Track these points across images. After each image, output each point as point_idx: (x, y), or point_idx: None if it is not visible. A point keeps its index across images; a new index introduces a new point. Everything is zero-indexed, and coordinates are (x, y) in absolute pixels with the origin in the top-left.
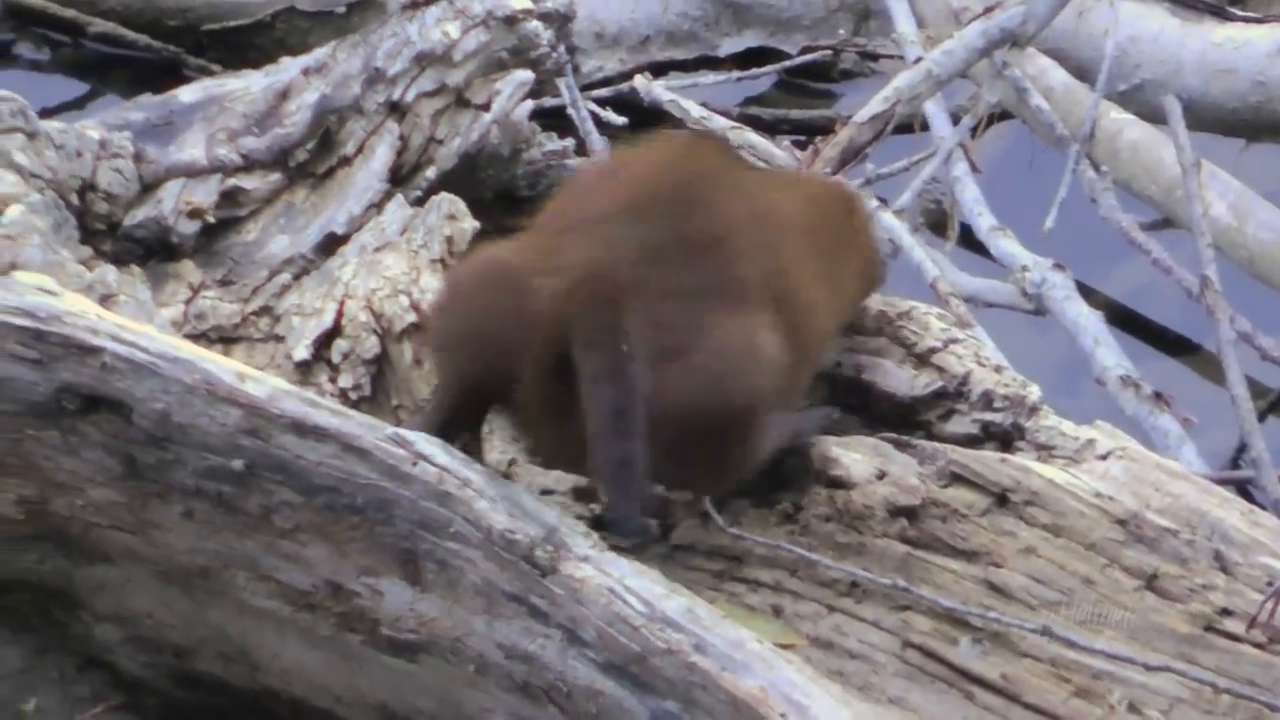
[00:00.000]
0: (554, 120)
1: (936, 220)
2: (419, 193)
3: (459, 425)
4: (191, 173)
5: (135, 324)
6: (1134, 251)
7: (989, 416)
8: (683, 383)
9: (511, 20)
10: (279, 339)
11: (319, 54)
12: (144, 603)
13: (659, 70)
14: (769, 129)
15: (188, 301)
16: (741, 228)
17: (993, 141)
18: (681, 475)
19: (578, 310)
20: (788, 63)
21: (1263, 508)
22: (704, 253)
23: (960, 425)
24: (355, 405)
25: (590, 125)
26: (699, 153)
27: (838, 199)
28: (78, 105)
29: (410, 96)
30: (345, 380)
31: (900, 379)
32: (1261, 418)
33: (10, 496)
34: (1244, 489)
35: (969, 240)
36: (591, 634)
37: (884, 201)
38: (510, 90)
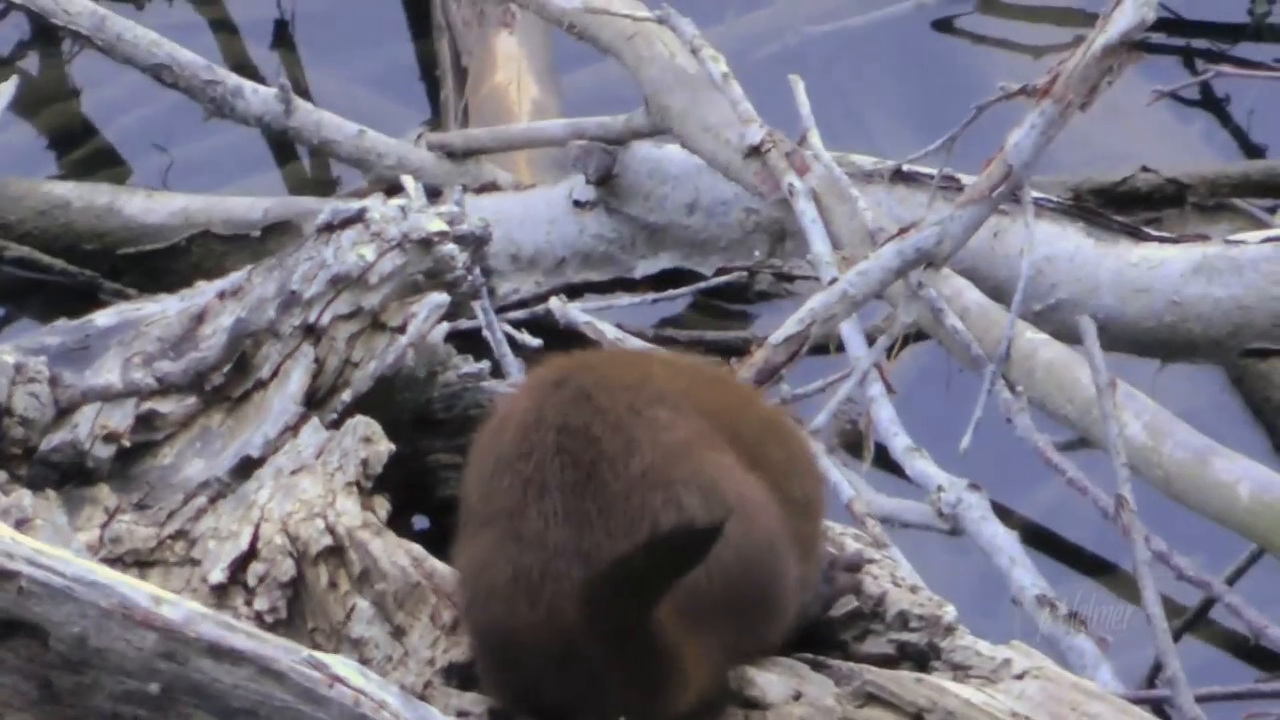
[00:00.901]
0: (469, 342)
1: (852, 441)
2: (334, 415)
3: None
4: (107, 397)
5: (51, 548)
6: (1050, 471)
7: (905, 636)
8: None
9: (427, 243)
10: (195, 562)
11: (234, 278)
12: None
13: (575, 292)
14: (685, 350)
15: (103, 525)
16: (630, 426)
17: (908, 362)
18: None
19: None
20: (703, 284)
21: None
22: (614, 474)
23: (876, 645)
24: (271, 629)
25: (506, 347)
26: (567, 382)
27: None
28: None
29: (326, 319)
30: (261, 603)
31: None
32: (1177, 637)
33: None
34: (1160, 709)
35: (885, 461)
36: None
37: (800, 422)
38: (426, 313)
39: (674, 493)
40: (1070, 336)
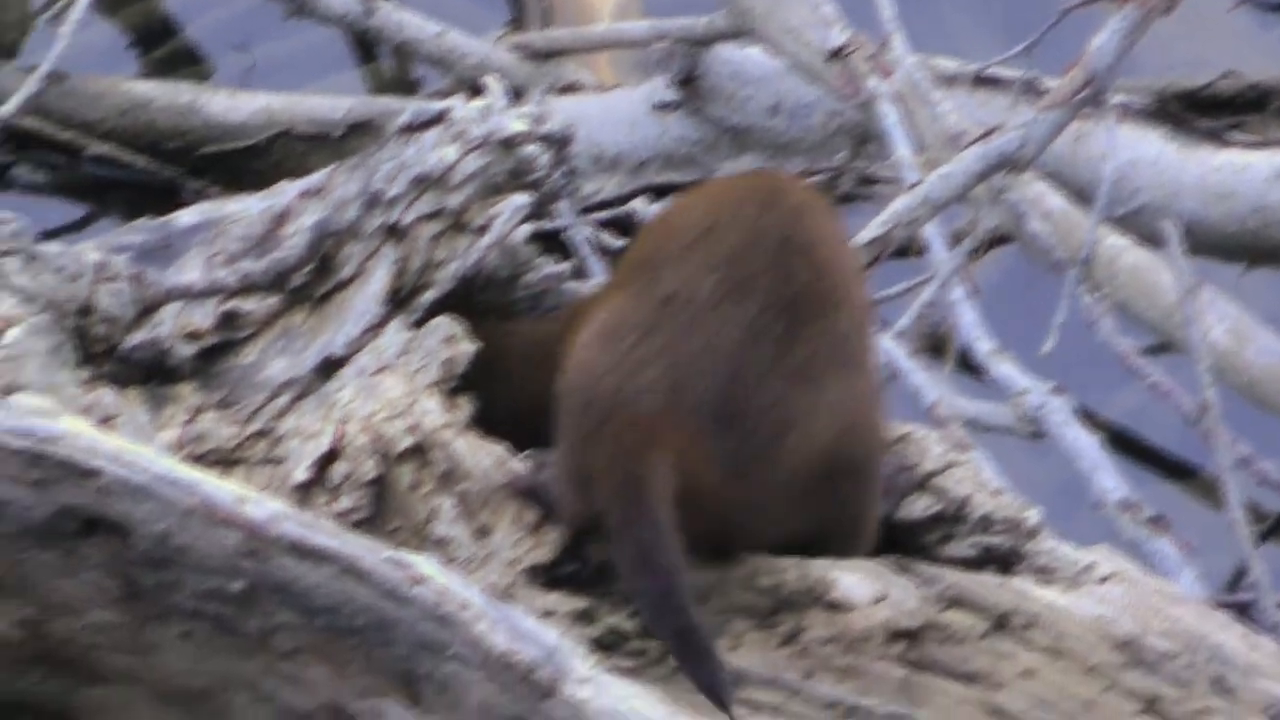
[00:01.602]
0: (552, 243)
1: (935, 344)
2: (417, 316)
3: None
4: (189, 295)
5: (134, 446)
6: (1133, 376)
7: (988, 540)
8: (803, 449)
9: (510, 143)
10: (277, 461)
11: (316, 177)
12: None
13: (658, 193)
14: None
15: (186, 424)
16: (839, 276)
17: (991, 265)
18: (811, 543)
19: (605, 486)
20: None
21: (1263, 631)
22: (811, 317)
23: (959, 548)
24: (354, 528)
25: (588, 248)
26: (788, 192)
27: None
28: (76, 228)
29: (408, 220)
30: (344, 503)
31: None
32: (1260, 542)
33: (9, 618)
34: (1244, 612)
35: (967, 364)
36: None
37: (883, 325)
38: (508, 214)
39: (825, 399)
40: (1153, 241)
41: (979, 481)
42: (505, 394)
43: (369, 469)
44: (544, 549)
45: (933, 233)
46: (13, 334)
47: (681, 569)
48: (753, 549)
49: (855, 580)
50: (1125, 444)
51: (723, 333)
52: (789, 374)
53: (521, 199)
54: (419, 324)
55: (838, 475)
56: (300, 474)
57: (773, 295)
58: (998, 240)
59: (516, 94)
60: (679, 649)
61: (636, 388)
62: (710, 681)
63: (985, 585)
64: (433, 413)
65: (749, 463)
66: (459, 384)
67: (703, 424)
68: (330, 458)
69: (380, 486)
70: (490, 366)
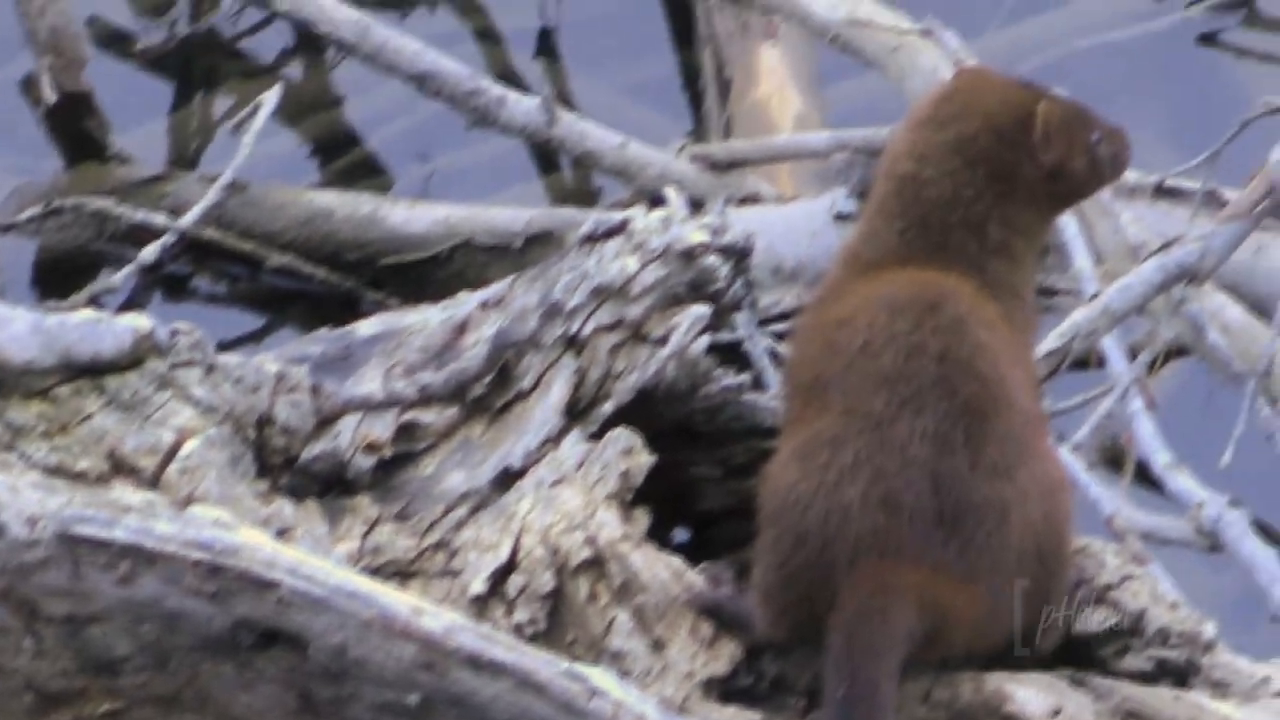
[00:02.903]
0: (730, 355)
1: (1113, 456)
2: (595, 427)
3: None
4: (368, 406)
5: (312, 558)
6: None
7: (1164, 653)
8: (1022, 533)
9: (690, 254)
10: (455, 574)
11: (496, 288)
12: None
13: None
14: None
15: (364, 536)
16: (1002, 384)
17: (1169, 377)
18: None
19: (839, 639)
20: None
21: None
22: (985, 421)
23: (1135, 661)
24: (531, 640)
25: (767, 360)
26: (945, 304)
27: None
28: (255, 338)
29: (588, 330)
30: (521, 615)
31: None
32: None
33: None
34: None
35: (1145, 477)
36: None
37: (1061, 437)
38: (688, 325)
39: (1025, 487)
40: None
41: (1156, 594)
42: None
43: (546, 581)
44: (720, 662)
45: (1111, 344)
46: (191, 445)
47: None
48: (977, 650)
49: (1031, 694)
50: None
51: (910, 444)
52: (986, 472)
53: (701, 310)
54: (597, 435)
55: (1045, 554)
56: (477, 586)
57: (943, 406)
58: (1177, 352)
59: (696, 205)
60: None
61: (844, 508)
62: None
63: (1161, 699)
64: (610, 525)
65: (979, 559)
66: (636, 496)
67: (927, 533)
68: (507, 570)
69: (557, 599)
70: None
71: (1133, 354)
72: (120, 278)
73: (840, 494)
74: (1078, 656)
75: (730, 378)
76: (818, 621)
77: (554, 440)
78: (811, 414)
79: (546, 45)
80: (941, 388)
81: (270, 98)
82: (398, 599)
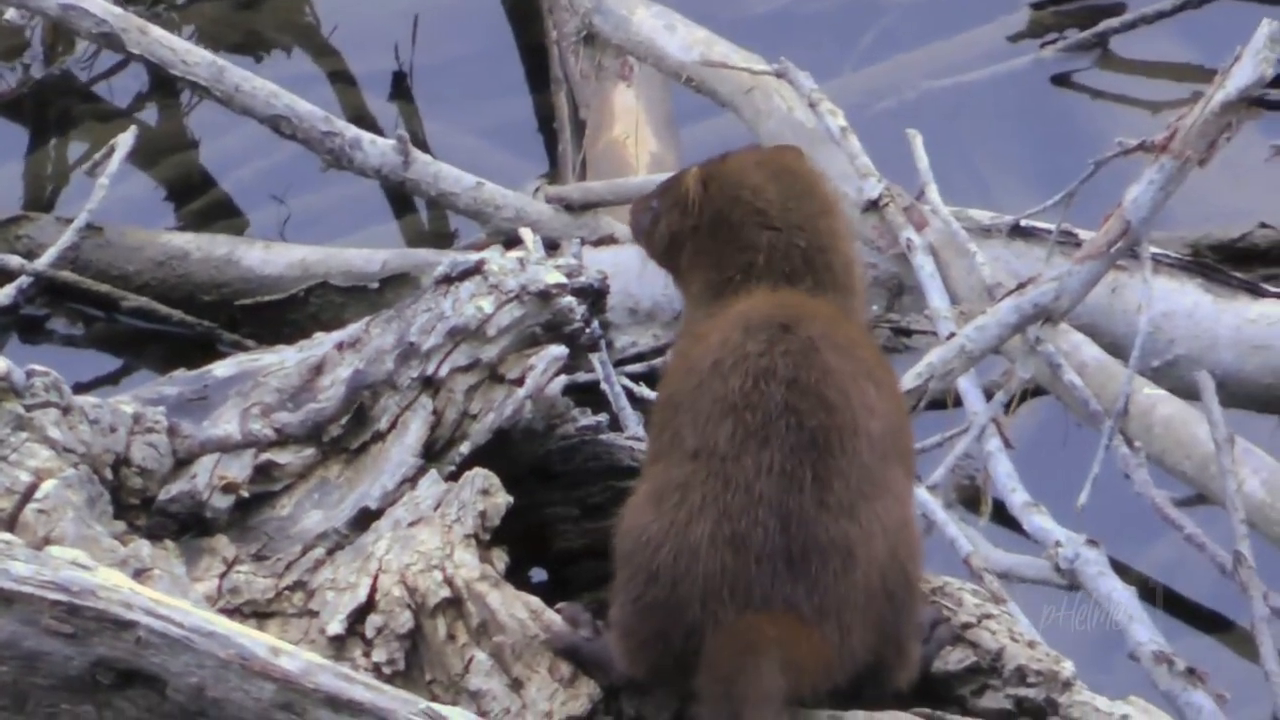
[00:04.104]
0: (587, 395)
1: (970, 496)
2: (452, 467)
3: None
4: (225, 447)
5: (170, 598)
6: (1168, 527)
7: (1022, 692)
8: (870, 573)
9: (546, 295)
10: (313, 614)
11: (353, 329)
12: None
13: None
14: None
15: (221, 576)
16: (851, 412)
17: (1026, 417)
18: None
19: (710, 699)
20: None
21: None
22: (831, 455)
23: (994, 700)
24: (389, 680)
25: (624, 400)
26: (802, 323)
27: None
28: (112, 380)
29: (444, 371)
30: (379, 655)
31: None
32: None
33: None
34: None
35: (1002, 516)
36: None
37: (918, 478)
38: (544, 365)
39: (870, 526)
40: (1188, 393)
41: (1014, 633)
42: None
43: (404, 621)
44: (579, 702)
45: (968, 384)
46: (48, 486)
47: None
48: (824, 689)
49: None
50: (1160, 596)
51: (757, 481)
52: (833, 510)
53: (558, 350)
54: (454, 476)
55: (893, 591)
56: (335, 626)
57: (790, 439)
58: (1034, 392)
59: (552, 246)
60: None
61: (692, 548)
62: None
63: None
64: (468, 565)
65: (827, 597)
66: (493, 536)
67: (775, 571)
68: (366, 610)
69: (415, 638)
70: None
71: (989, 394)
72: None
73: (689, 534)
74: (936, 695)
75: (587, 418)
76: (674, 660)
77: (411, 481)
78: (665, 445)
79: (401, 88)
80: (789, 418)
81: (125, 140)
82: (256, 639)
